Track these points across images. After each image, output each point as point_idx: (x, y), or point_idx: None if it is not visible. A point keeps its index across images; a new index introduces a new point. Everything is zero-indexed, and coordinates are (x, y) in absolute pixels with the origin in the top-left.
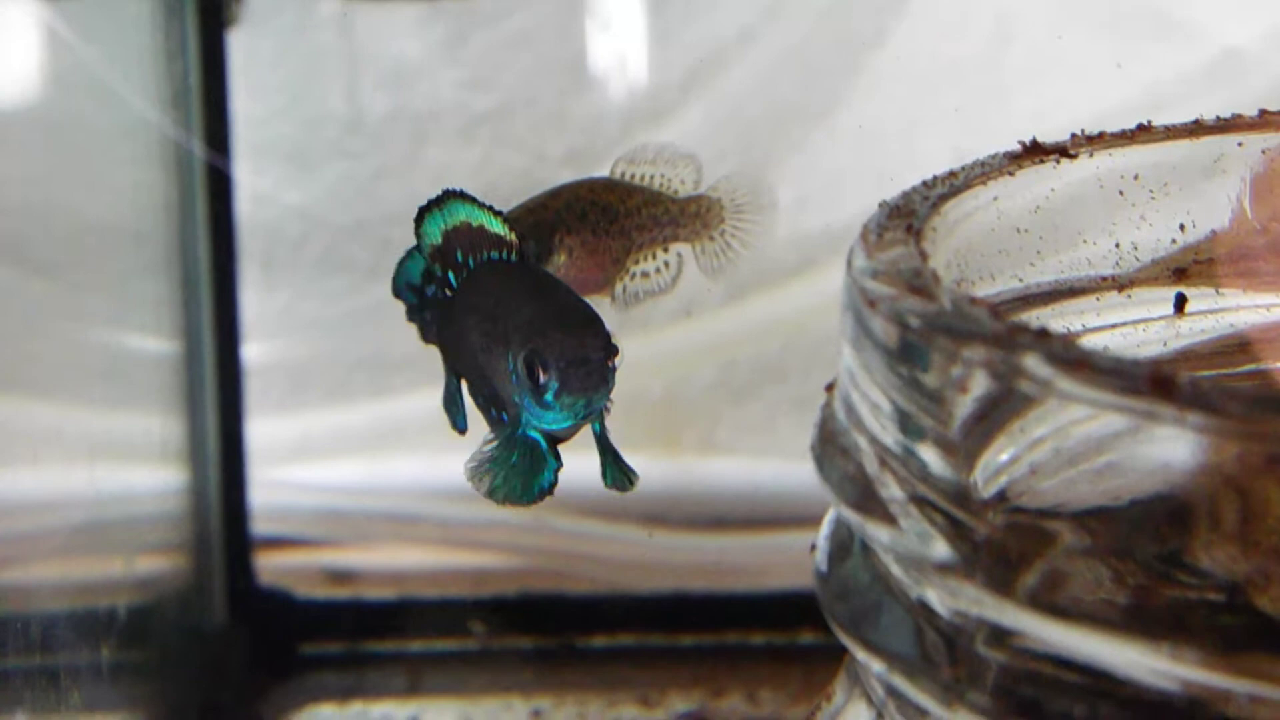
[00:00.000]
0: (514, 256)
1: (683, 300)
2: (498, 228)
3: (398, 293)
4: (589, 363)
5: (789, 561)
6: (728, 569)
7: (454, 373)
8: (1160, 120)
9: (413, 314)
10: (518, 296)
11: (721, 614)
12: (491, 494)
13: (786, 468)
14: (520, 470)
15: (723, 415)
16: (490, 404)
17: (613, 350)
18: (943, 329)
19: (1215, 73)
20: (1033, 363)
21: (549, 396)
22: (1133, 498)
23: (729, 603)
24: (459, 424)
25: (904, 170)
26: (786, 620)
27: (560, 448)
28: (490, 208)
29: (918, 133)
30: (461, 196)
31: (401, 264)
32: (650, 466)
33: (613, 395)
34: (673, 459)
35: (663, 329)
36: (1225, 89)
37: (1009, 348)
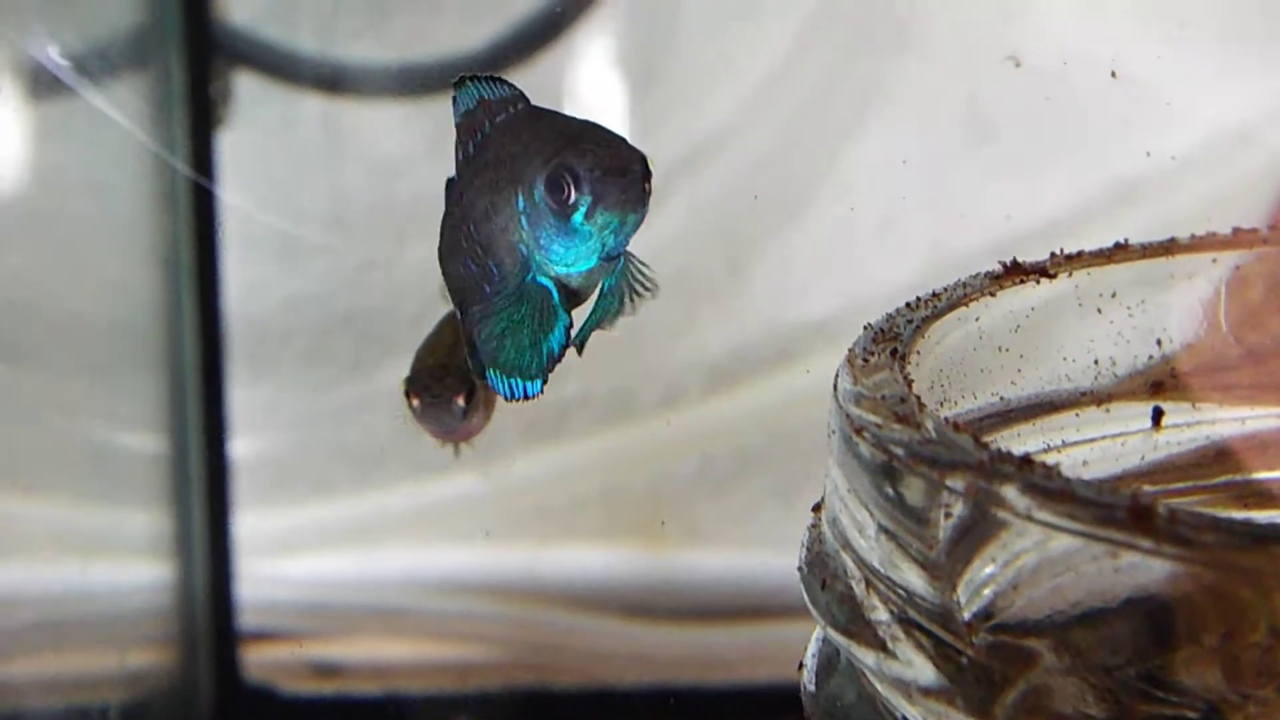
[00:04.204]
0: (523, 105)
1: (663, 392)
2: (505, 91)
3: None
4: (629, 173)
5: (773, 653)
6: (712, 661)
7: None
8: (1136, 213)
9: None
10: (532, 131)
11: (707, 707)
12: (502, 365)
13: (769, 558)
14: (528, 327)
15: (705, 507)
16: (478, 282)
17: (649, 172)
18: (927, 458)
19: (1194, 160)
20: (1013, 494)
21: (578, 218)
22: (1118, 604)
23: (714, 695)
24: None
25: (882, 261)
26: (771, 713)
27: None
28: (492, 76)
29: (895, 224)
30: (472, 79)
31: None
32: (633, 558)
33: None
34: (655, 551)
35: (643, 421)
36: (1205, 177)
37: (990, 477)
